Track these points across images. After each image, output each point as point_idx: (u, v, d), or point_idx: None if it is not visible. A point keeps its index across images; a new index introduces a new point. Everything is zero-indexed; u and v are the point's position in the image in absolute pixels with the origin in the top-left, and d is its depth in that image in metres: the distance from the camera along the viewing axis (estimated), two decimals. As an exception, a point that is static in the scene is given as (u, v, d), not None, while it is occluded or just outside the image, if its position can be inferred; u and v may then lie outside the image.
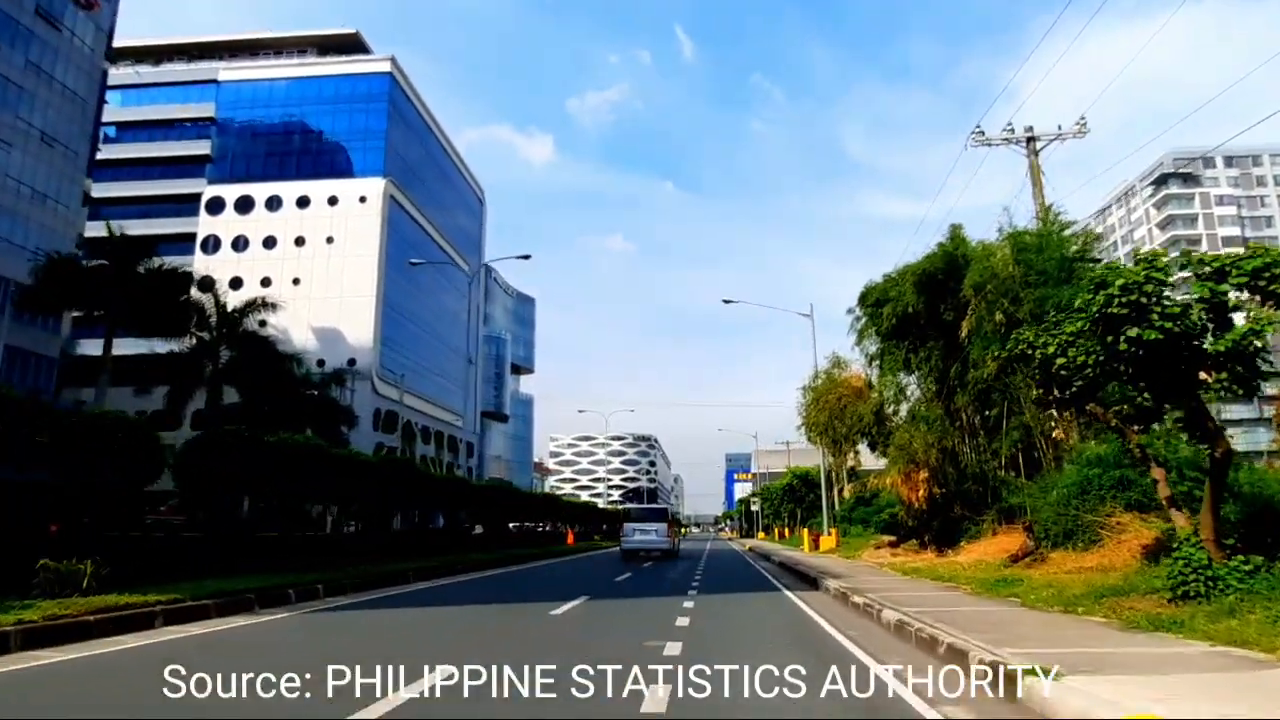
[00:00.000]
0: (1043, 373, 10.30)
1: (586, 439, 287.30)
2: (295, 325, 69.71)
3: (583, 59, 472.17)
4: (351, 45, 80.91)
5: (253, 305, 47.75)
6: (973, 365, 20.50)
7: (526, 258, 53.28)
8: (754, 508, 56.39)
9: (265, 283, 70.78)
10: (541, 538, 47.61)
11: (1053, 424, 17.74)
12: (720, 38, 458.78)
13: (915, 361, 22.64)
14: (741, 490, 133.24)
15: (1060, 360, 9.85)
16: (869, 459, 34.56)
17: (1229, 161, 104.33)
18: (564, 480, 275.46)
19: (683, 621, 10.10)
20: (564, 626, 10.16)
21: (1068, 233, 19.24)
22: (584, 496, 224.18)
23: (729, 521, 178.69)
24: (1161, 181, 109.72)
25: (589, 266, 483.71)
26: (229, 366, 46.14)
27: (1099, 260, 18.66)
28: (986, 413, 21.00)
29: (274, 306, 47.60)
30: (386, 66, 76.89)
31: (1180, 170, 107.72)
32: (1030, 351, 10.37)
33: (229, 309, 47.49)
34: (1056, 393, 10.48)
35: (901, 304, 22.07)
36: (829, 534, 32.41)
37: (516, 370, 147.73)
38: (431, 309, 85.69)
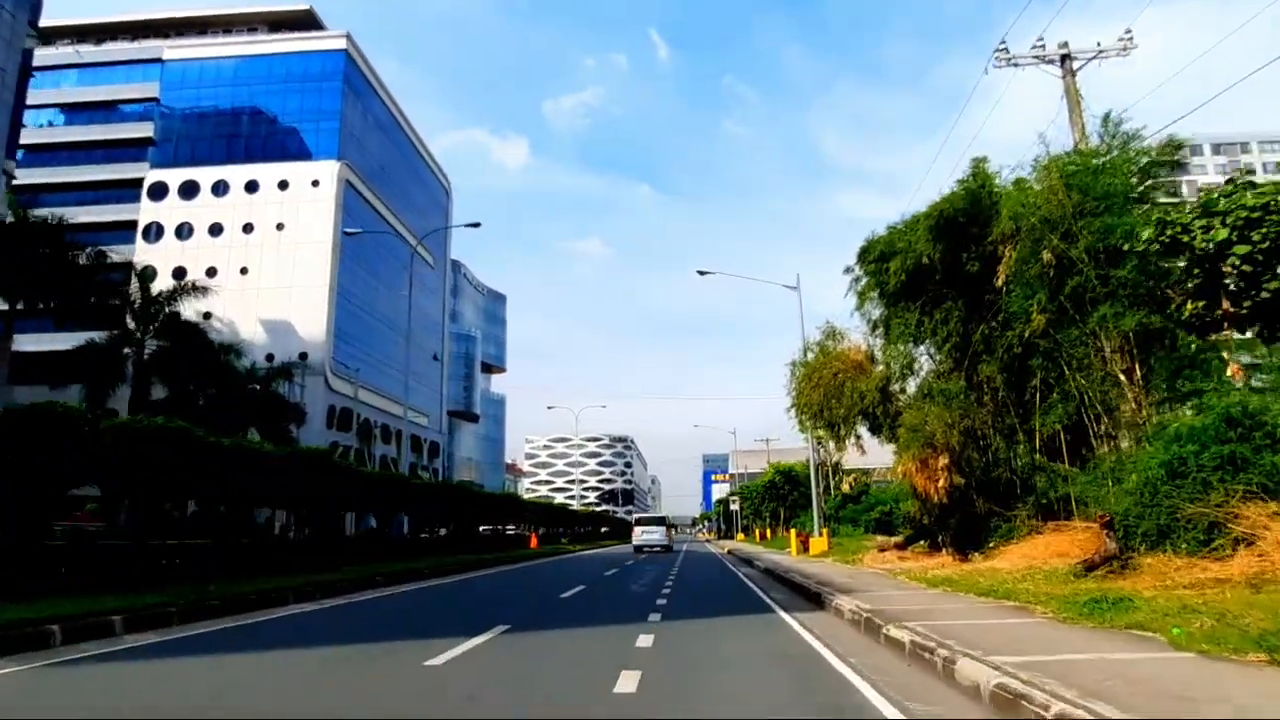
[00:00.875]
0: (1207, 272, 6.35)
1: (562, 440, 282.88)
2: (243, 317, 65.19)
3: (558, 62, 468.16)
4: (305, 22, 76.26)
5: (182, 290, 43.22)
6: (1005, 324, 16.69)
7: (476, 225, 48.98)
8: (733, 507, 52.50)
9: (211, 272, 66.00)
10: (507, 541, 43.50)
11: (1117, 390, 13.88)
12: (695, 41, 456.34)
13: (929, 326, 18.77)
14: (720, 491, 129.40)
15: (1239, 250, 5.95)
16: (857, 456, 30.40)
17: (1216, 149, 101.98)
18: (539, 482, 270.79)
19: (627, 684, 6.10)
20: (435, 691, 6.13)
21: (1135, 146, 15.44)
22: (559, 499, 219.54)
23: (706, 522, 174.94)
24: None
25: (565, 270, 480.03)
26: (157, 358, 41.74)
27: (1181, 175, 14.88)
28: (1022, 384, 17.16)
29: (205, 291, 43.06)
30: (341, 44, 72.37)
31: (1164, 159, 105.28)
32: (1186, 238, 6.41)
33: (155, 294, 43.07)
34: (1228, 305, 6.48)
35: (913, 256, 18.22)
36: (819, 534, 28.56)
37: (488, 369, 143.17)
38: (393, 302, 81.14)
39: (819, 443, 31.08)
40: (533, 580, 20.41)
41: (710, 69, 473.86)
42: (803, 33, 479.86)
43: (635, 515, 73.19)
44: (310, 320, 65.02)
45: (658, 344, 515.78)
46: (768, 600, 13.53)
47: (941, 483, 17.28)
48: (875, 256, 19.98)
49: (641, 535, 42.79)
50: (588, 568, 25.74)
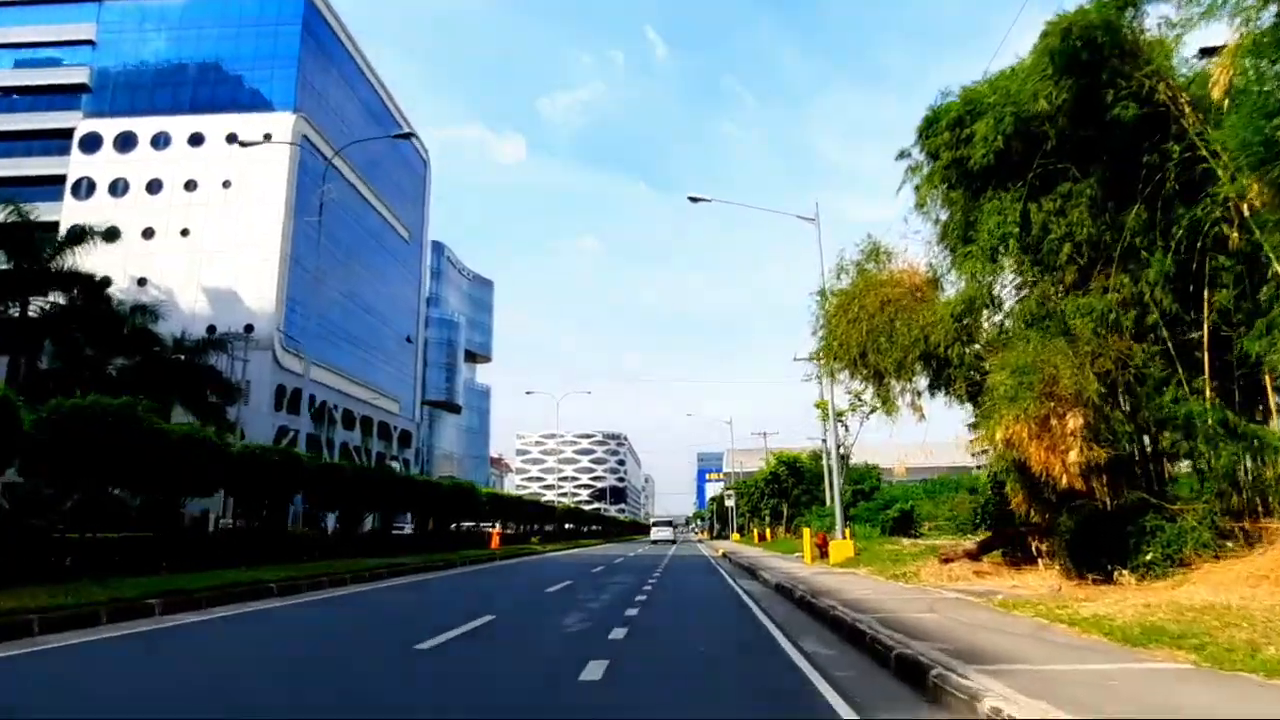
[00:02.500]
0: None
1: (553, 436, 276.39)
2: (183, 285, 58.32)
3: (555, 60, 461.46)
4: (263, -37, 69.23)
5: (78, 236, 36.39)
6: (1185, 196, 10.06)
7: (407, 136, 42.29)
8: (728, 503, 45.82)
9: (148, 234, 59.19)
10: (463, 540, 36.92)
11: None
12: (691, 41, 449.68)
13: (1040, 218, 12.06)
14: (714, 490, 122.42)
15: None
16: (913, 424, 23.54)
17: None
18: (530, 479, 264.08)
19: None
20: None
21: None
22: (549, 496, 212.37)
23: (699, 522, 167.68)
24: None
25: (560, 267, 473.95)
26: (47, 321, 35.13)
27: None
28: (1198, 298, 10.53)
29: (111, 236, 36.32)
30: (302, -15, 65.39)
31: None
32: None
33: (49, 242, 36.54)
34: None
35: (1013, 112, 11.66)
36: (842, 536, 21.80)
37: (473, 358, 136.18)
38: (361, 276, 74.25)
39: (839, 419, 24.49)
40: (445, 596, 13.79)
41: (707, 68, 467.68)
42: (798, 35, 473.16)
43: (652, 519, 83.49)
44: (258, 289, 58.11)
45: (654, 342, 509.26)
46: (808, 670, 6.82)
47: (1073, 455, 10.62)
48: (949, 124, 13.26)
49: (656, 533, 59.95)
50: (527, 579, 19.11)
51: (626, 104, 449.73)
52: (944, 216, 13.99)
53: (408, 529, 53.99)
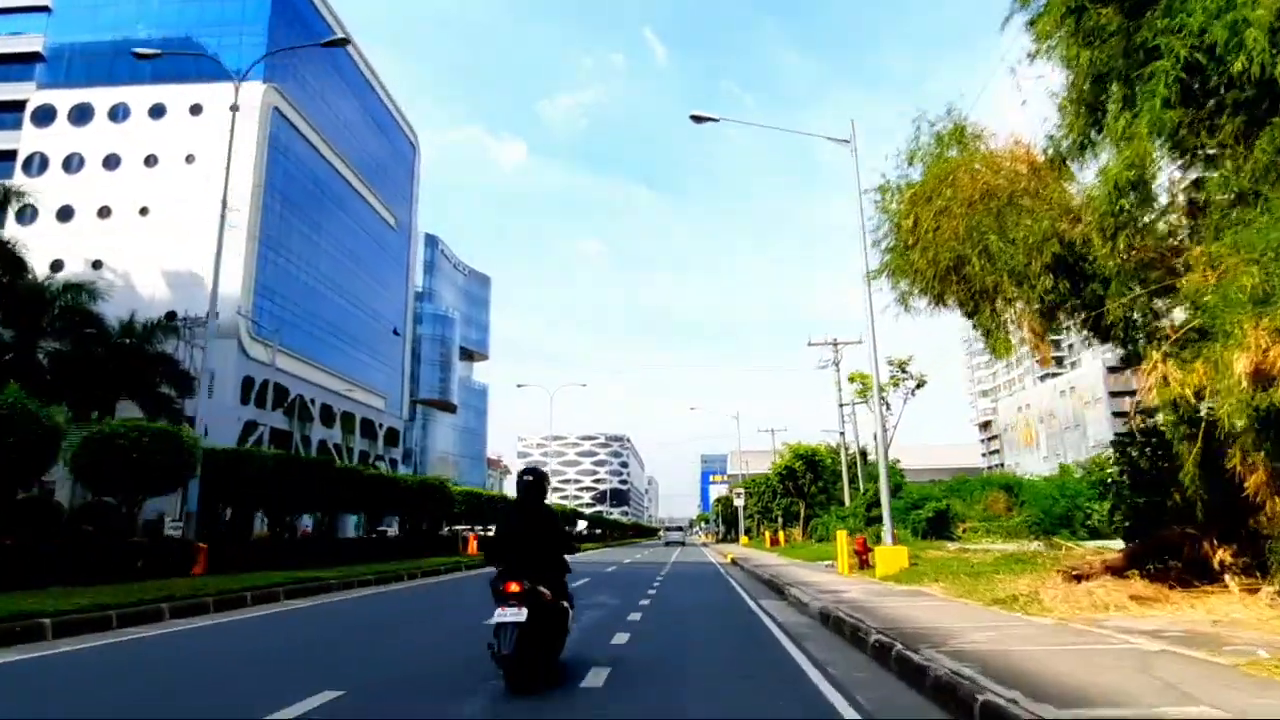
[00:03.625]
0: None
1: (557, 439, 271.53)
2: (142, 267, 53.55)
3: (554, 62, 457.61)
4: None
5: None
6: None
7: (343, 43, 37.56)
8: (737, 503, 40.85)
9: (104, 213, 54.54)
10: (439, 544, 32.14)
11: None
12: (691, 43, 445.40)
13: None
14: (720, 491, 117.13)
15: None
16: (1038, 370, 18.50)
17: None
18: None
19: None
20: None
21: None
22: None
23: (703, 524, 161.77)
24: None
25: (563, 270, 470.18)
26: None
27: None
28: None
29: (17, 196, 31.72)
30: (273, -53, 60.64)
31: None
32: None
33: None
34: None
35: None
36: (890, 541, 16.76)
37: (470, 356, 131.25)
38: (343, 264, 69.49)
39: (881, 395, 19.59)
40: (260, 655, 8.85)
41: (707, 71, 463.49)
42: (797, 37, 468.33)
43: (665, 525, 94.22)
44: (223, 272, 53.08)
45: (658, 343, 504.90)
46: None
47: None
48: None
49: (668, 536, 69.08)
50: (475, 602, 14.17)
51: (627, 106, 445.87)
52: (1085, 59, 8.98)
53: (394, 531, 49.51)
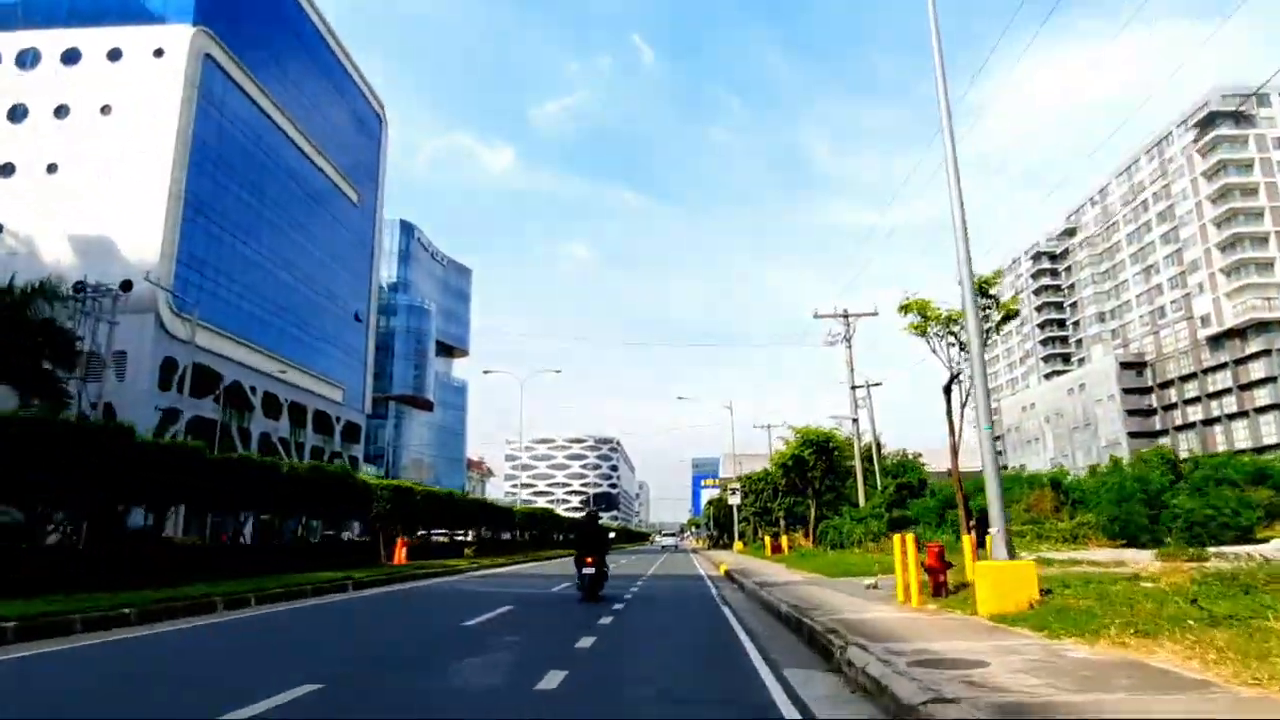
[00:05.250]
0: None
1: (544, 442, 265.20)
2: (46, 231, 46.55)
3: (543, 67, 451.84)
4: None
5: None
6: None
7: None
8: (732, 500, 33.91)
9: (6, 170, 47.48)
10: (349, 553, 25.26)
11: None
12: (678, 49, 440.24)
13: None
14: (712, 494, 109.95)
15: None
16: None
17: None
18: (520, 485, 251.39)
19: None
20: None
21: None
22: (540, 503, 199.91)
23: (694, 529, 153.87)
24: (1208, 123, 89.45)
25: (552, 275, 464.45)
26: None
27: None
28: None
29: None
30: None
31: (1230, 110, 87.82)
32: None
33: None
34: None
35: None
36: (1006, 552, 9.81)
37: (449, 352, 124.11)
38: (294, 239, 62.47)
39: (949, 330, 12.88)
40: None
41: (695, 76, 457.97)
42: (786, 41, 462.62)
43: (660, 531, 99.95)
44: (140, 238, 46.20)
45: (646, 347, 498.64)
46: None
47: None
48: None
49: (661, 540, 77.86)
50: (332, 644, 7.44)
51: (617, 111, 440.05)
52: None
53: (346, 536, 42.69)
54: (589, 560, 14.02)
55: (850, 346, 37.76)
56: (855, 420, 35.34)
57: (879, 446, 38.04)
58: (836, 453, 32.86)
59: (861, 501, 34.72)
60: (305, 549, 22.60)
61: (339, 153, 71.22)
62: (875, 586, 13.63)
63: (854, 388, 37.79)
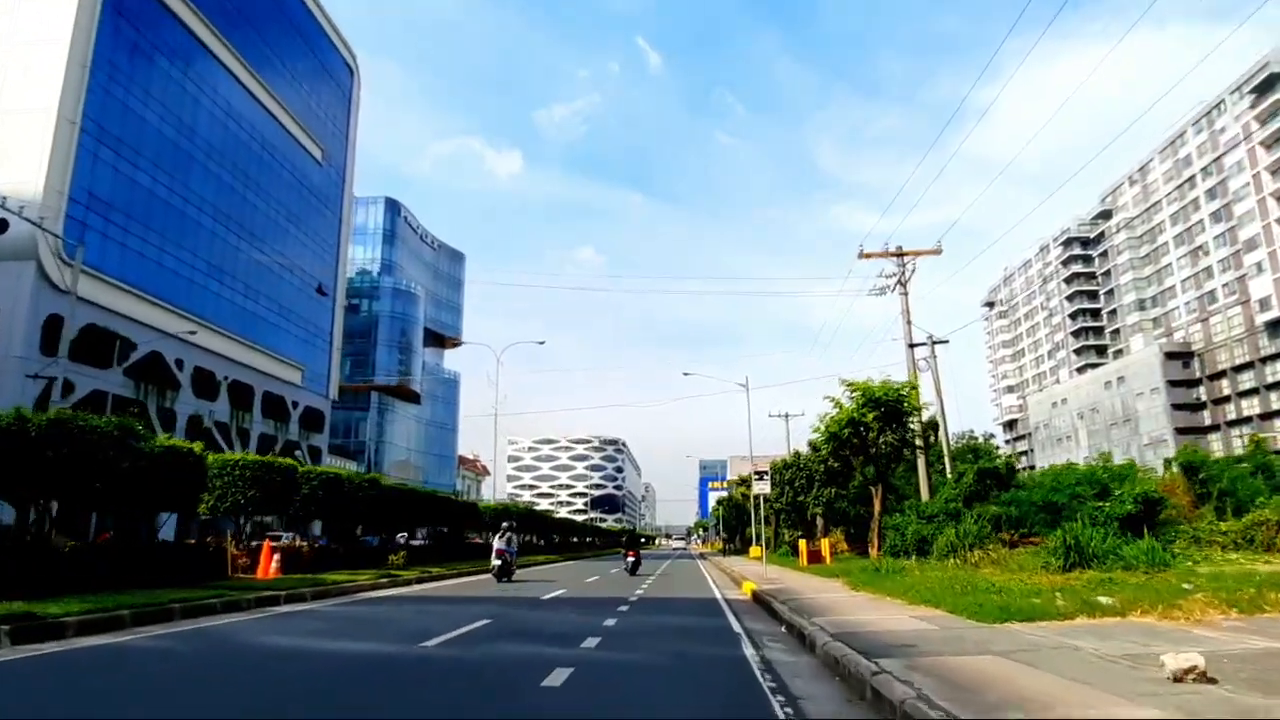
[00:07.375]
0: None
1: (548, 442, 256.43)
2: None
3: (552, 73, 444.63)
4: None
5: None
6: None
7: None
8: (760, 489, 24.71)
9: None
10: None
11: None
12: (685, 53, 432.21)
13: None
14: (720, 495, 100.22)
15: None
16: None
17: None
18: (523, 486, 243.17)
19: None
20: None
21: None
22: (543, 505, 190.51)
23: (701, 532, 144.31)
24: (1267, 86, 79.61)
25: (559, 278, 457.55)
26: None
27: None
28: None
29: None
30: None
31: (1292, 69, 78.31)
32: None
33: None
34: None
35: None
36: None
37: (440, 342, 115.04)
38: (233, 189, 53.56)
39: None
40: None
41: (702, 80, 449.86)
42: (792, 45, 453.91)
43: (671, 536, 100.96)
44: (22, 168, 37.36)
45: (650, 351, 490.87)
46: None
47: None
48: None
49: (669, 545, 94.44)
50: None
51: (623, 116, 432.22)
52: None
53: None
54: (631, 553, 27.19)
55: (906, 293, 28.77)
56: (915, 388, 25.99)
57: (945, 420, 28.61)
58: (912, 419, 23.51)
59: (924, 493, 25.57)
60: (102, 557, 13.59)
61: (297, 99, 62.38)
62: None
63: (911, 345, 28.69)
